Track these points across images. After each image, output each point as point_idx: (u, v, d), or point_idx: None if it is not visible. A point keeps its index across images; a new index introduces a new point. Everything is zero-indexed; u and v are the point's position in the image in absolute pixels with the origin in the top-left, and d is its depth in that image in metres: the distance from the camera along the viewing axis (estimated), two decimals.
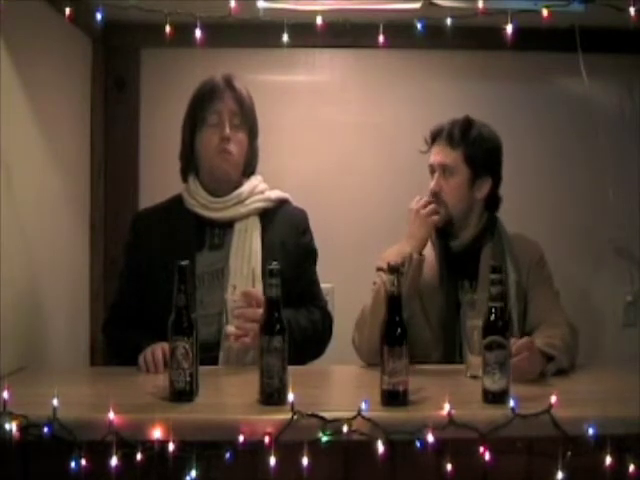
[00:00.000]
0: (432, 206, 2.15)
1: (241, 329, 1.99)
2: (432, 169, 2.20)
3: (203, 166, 2.17)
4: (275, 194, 2.23)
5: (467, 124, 2.17)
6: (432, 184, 2.19)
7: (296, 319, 2.06)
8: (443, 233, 2.22)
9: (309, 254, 2.23)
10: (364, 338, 2.09)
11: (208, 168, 2.16)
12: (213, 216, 2.15)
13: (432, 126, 2.21)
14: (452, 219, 2.19)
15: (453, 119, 2.20)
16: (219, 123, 2.12)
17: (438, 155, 2.18)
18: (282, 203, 2.24)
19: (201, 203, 2.15)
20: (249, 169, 2.21)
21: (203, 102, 2.14)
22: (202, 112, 2.13)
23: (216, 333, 2.07)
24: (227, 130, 2.11)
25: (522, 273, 2.17)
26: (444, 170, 2.17)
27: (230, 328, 2.02)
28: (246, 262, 2.10)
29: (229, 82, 2.15)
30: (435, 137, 2.20)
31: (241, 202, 2.16)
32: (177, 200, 2.20)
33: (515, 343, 1.80)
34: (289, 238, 2.18)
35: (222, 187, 2.16)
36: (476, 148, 2.16)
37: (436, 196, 2.18)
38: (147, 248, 2.15)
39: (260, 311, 1.80)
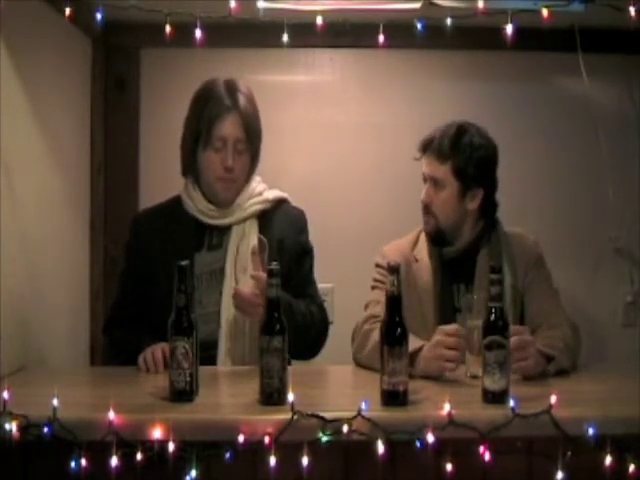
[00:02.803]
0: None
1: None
2: (424, 177, 2.20)
3: (204, 183, 2.15)
4: (273, 194, 2.22)
5: (458, 134, 2.13)
6: (422, 195, 2.18)
7: (296, 302, 2.07)
8: (437, 240, 2.21)
9: (306, 253, 2.23)
10: (362, 359, 2.07)
11: (209, 189, 2.15)
12: (212, 222, 2.16)
13: (426, 134, 2.18)
14: (443, 230, 2.18)
15: (446, 126, 2.16)
16: (223, 149, 2.09)
17: (428, 167, 2.17)
18: (280, 203, 2.24)
19: (200, 209, 2.15)
20: (249, 178, 2.20)
21: (208, 120, 2.08)
22: (206, 132, 2.08)
23: (215, 331, 2.07)
24: (230, 161, 2.09)
25: (518, 275, 2.16)
26: (434, 182, 2.16)
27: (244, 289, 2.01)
28: (243, 262, 2.10)
29: (234, 97, 2.10)
30: (425, 147, 2.17)
31: (240, 206, 2.16)
32: (176, 201, 2.20)
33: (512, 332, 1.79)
34: (287, 237, 2.18)
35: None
36: (466, 161, 2.12)
37: (426, 207, 2.18)
38: (147, 249, 2.15)
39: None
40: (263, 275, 1.88)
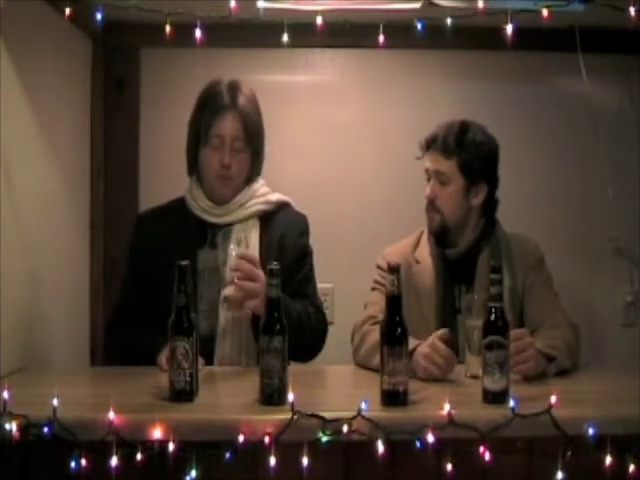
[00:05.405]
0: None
1: (241, 288, 1.97)
2: (428, 174, 2.20)
3: (204, 180, 2.18)
4: (275, 197, 2.24)
5: (462, 131, 2.16)
6: (428, 191, 2.19)
7: (293, 302, 2.07)
8: (440, 241, 2.21)
9: (306, 255, 2.24)
10: (359, 359, 2.08)
11: (208, 187, 2.17)
12: (214, 220, 2.17)
13: (427, 133, 2.19)
14: (448, 226, 2.18)
15: (448, 124, 2.18)
16: (220, 147, 2.11)
17: (433, 163, 2.17)
18: (283, 206, 2.25)
19: (202, 207, 2.17)
20: (252, 178, 2.22)
21: (207, 119, 2.11)
22: (205, 130, 2.11)
23: (215, 326, 2.09)
24: (227, 158, 2.11)
25: (517, 278, 2.16)
26: (439, 178, 2.17)
27: (228, 290, 2.02)
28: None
29: (234, 96, 2.12)
30: (429, 145, 2.18)
31: (242, 205, 2.18)
32: (179, 201, 2.22)
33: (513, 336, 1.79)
34: (288, 237, 2.19)
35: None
36: (471, 156, 2.14)
37: (432, 203, 2.18)
38: (151, 248, 2.16)
39: (259, 272, 1.93)
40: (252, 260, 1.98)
